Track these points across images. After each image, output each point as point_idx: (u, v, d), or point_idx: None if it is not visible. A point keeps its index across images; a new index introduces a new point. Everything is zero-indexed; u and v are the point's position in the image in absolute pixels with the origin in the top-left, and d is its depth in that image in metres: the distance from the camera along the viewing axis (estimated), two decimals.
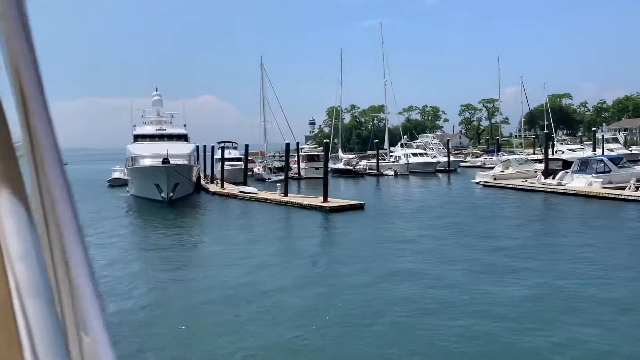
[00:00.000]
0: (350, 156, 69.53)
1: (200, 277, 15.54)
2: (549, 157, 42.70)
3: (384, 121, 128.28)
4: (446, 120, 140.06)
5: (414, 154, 62.44)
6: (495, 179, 42.59)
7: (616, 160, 36.22)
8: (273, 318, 11.62)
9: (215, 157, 51.93)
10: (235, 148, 59.14)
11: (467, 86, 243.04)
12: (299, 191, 42.22)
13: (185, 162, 38.20)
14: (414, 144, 71.27)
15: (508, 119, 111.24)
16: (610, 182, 33.77)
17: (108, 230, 25.09)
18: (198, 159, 47.14)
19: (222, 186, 43.24)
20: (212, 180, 49.53)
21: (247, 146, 44.44)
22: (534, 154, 71.29)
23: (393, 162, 61.87)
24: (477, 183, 43.43)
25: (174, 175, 34.51)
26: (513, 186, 38.97)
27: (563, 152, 60.86)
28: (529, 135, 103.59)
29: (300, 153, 58.99)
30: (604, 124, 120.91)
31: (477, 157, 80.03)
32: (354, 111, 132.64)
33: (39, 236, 0.62)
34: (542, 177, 38.24)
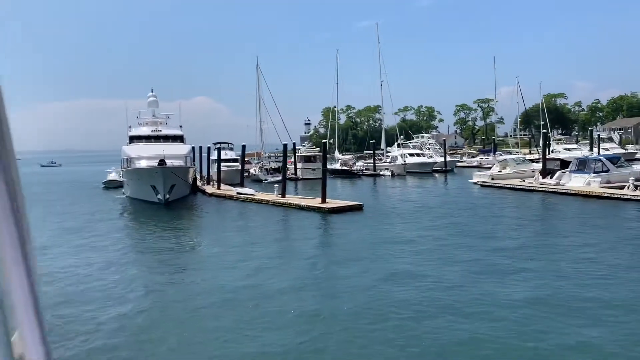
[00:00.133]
0: (347, 156, 69.32)
1: (199, 280, 15.28)
2: (547, 156, 42.54)
3: (379, 121, 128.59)
4: (441, 120, 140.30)
5: (411, 154, 62.33)
6: (492, 179, 42.50)
7: (614, 160, 36.20)
8: (274, 322, 11.40)
9: (211, 158, 51.58)
10: (232, 149, 58.79)
11: (462, 86, 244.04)
12: (295, 192, 42.01)
13: (182, 164, 37.85)
14: (411, 145, 71.15)
15: (503, 119, 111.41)
16: (608, 182, 33.72)
17: (103, 232, 24.77)
18: (194, 160, 46.78)
19: (218, 187, 42.92)
20: (209, 181, 49.22)
21: (244, 147, 44.10)
22: (530, 153, 71.32)
23: (390, 162, 61.72)
24: (475, 183, 43.33)
25: (170, 176, 34.18)
26: (511, 186, 38.88)
27: (559, 152, 60.89)
28: (524, 135, 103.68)
29: (297, 154, 58.72)
30: (598, 124, 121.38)
31: (473, 157, 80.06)
32: (349, 111, 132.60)
33: None
34: (540, 177, 38.18)
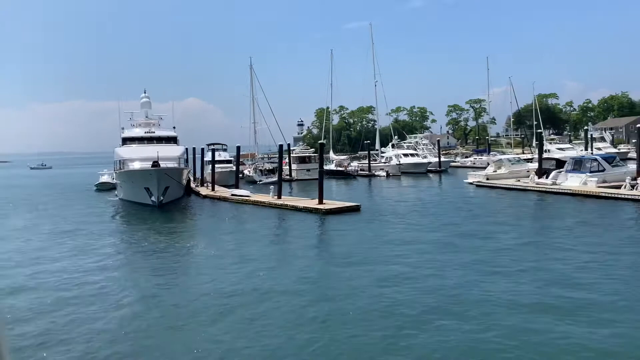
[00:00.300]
0: (342, 157, 69.18)
1: (197, 283, 14.92)
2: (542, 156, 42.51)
3: (372, 122, 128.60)
4: (434, 120, 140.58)
5: (405, 155, 62.28)
6: (488, 179, 42.46)
7: (610, 159, 36.25)
8: (273, 324, 11.12)
9: (205, 159, 51.18)
10: (225, 150, 58.37)
11: (454, 87, 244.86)
12: (290, 193, 41.72)
13: (176, 165, 37.41)
14: (405, 145, 71.10)
15: (495, 119, 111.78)
16: (604, 181, 33.75)
17: (97, 235, 24.33)
18: (187, 161, 46.31)
19: (212, 189, 42.52)
20: (202, 183, 48.79)
21: (238, 148, 43.75)
22: (523, 153, 71.53)
23: (384, 162, 61.62)
24: (470, 183, 43.27)
25: (164, 178, 33.74)
26: (507, 186, 38.84)
27: (552, 152, 61.05)
28: (516, 135, 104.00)
29: (291, 154, 58.43)
30: (589, 123, 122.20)
31: (467, 157, 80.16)
32: (342, 112, 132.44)
33: None
34: (536, 177, 38.15)
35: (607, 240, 18.97)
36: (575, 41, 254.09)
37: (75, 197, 44.99)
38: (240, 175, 48.72)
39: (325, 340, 10.31)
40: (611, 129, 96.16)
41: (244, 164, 56.83)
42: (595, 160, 35.71)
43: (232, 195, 37.24)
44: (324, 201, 30.25)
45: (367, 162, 62.79)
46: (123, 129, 45.59)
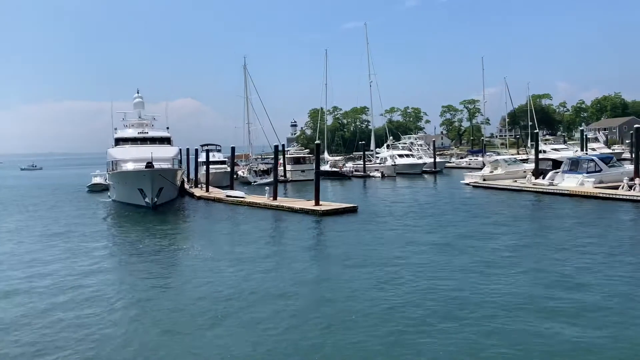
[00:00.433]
0: (337, 158, 68.86)
1: (194, 286, 14.51)
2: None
3: (366, 122, 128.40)
4: (428, 121, 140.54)
5: (401, 156, 62.03)
6: (484, 180, 42.28)
7: (607, 160, 36.15)
8: (275, 330, 10.81)
9: (199, 160, 50.70)
10: (219, 151, 57.84)
11: (447, 87, 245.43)
12: (285, 194, 41.35)
13: (170, 166, 36.91)
14: (400, 146, 70.89)
15: (489, 120, 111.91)
16: (601, 182, 33.65)
17: (90, 237, 23.86)
18: (181, 162, 45.73)
19: (207, 190, 42.04)
20: (197, 184, 48.31)
21: (233, 149, 43.24)
22: (518, 153, 71.53)
23: (380, 163, 61.34)
24: (467, 184, 43.07)
25: (158, 179, 33.24)
26: (504, 187, 38.67)
27: (547, 152, 61.04)
28: (510, 135, 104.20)
29: (286, 155, 58.03)
30: (583, 124, 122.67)
31: (462, 157, 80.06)
32: (336, 113, 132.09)
33: None
34: (533, 177, 38.00)
35: (607, 241, 18.79)
36: (566, 42, 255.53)
37: (68, 198, 44.38)
38: (235, 176, 48.27)
39: (327, 344, 10.11)
40: (604, 129, 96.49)
41: (238, 165, 56.39)
42: (592, 160, 35.58)
43: (227, 196, 36.80)
44: (321, 202, 29.90)
45: (362, 162, 62.52)
46: (116, 129, 45.00)
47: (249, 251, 19.37)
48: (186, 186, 46.05)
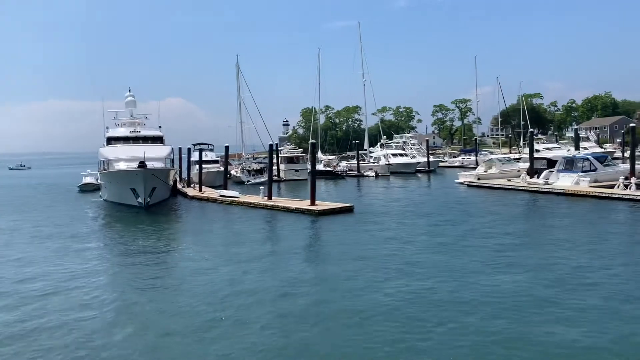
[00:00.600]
0: (330, 157, 68.59)
1: (192, 288, 14.16)
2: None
3: (358, 122, 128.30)
4: (419, 120, 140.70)
5: (394, 155, 61.89)
6: (479, 179, 42.20)
7: (601, 159, 36.19)
8: (276, 332, 10.51)
9: (191, 159, 50.23)
10: (212, 150, 57.34)
11: (438, 87, 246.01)
12: (279, 194, 40.99)
13: (163, 165, 36.43)
14: (393, 145, 70.76)
15: (480, 119, 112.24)
16: (596, 181, 33.66)
17: (82, 238, 23.43)
18: (173, 161, 45.22)
19: (200, 190, 41.59)
20: (189, 183, 47.83)
21: (227, 148, 42.76)
22: (511, 153, 71.71)
23: (373, 163, 61.15)
24: (461, 183, 42.98)
25: (151, 179, 32.77)
26: (499, 186, 38.59)
27: (539, 151, 61.22)
28: (502, 134, 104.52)
29: (279, 155, 57.63)
30: (573, 123, 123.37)
31: (455, 157, 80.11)
32: (328, 112, 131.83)
33: None
34: (528, 177, 37.97)
35: (607, 241, 18.74)
36: (556, 42, 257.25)
37: (58, 198, 43.75)
38: (228, 175, 47.83)
39: (329, 344, 9.97)
40: (595, 128, 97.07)
41: (230, 165, 55.94)
42: (587, 159, 35.59)
43: (221, 196, 36.39)
44: (316, 202, 29.60)
45: (355, 162, 62.30)
46: (107, 128, 44.41)
47: (246, 252, 19.04)
48: (179, 186, 45.55)
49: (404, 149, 68.73)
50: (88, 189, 48.78)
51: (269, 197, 33.12)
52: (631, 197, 28.81)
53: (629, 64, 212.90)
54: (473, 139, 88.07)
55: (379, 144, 70.02)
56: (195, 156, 48.44)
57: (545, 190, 34.30)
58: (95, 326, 11.54)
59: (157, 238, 22.88)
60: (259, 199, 33.44)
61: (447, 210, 28.66)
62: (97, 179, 46.76)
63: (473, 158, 67.93)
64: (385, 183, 50.65)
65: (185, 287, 14.55)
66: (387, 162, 58.76)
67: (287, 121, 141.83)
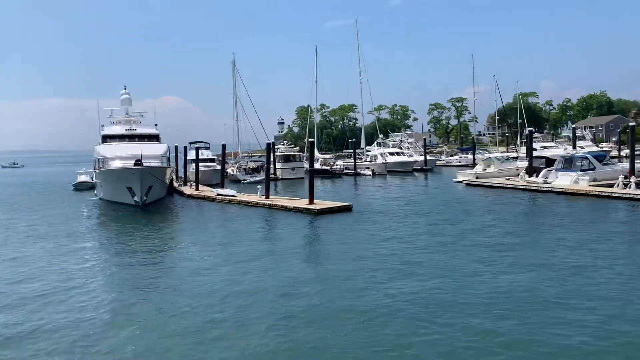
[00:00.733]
0: (327, 156, 68.30)
1: (191, 290, 13.86)
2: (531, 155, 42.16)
3: (354, 120, 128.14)
4: (415, 119, 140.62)
5: (391, 154, 61.65)
6: (477, 178, 42.03)
7: (600, 158, 36.08)
8: (277, 332, 10.26)
9: (187, 157, 49.86)
10: (208, 148, 56.93)
11: (433, 85, 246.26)
12: (276, 192, 40.67)
13: (159, 164, 36.05)
14: (390, 143, 70.54)
15: (476, 118, 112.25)
16: (595, 180, 33.52)
17: (78, 237, 23.11)
18: (169, 159, 44.81)
19: (197, 188, 41.22)
20: (186, 182, 47.44)
21: (224, 146, 42.41)
22: (507, 151, 71.63)
23: (370, 161, 60.91)
24: (460, 182, 42.79)
25: (147, 177, 32.39)
26: (497, 185, 38.40)
27: (536, 150, 61.18)
28: (498, 133, 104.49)
29: (276, 153, 57.29)
30: (569, 122, 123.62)
31: (451, 155, 79.99)
32: (323, 110, 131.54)
33: None
34: (526, 175, 37.82)
35: (610, 240, 18.56)
36: (549, 41, 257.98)
37: (53, 197, 43.30)
38: (224, 174, 47.48)
39: (330, 344, 9.81)
40: (591, 127, 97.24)
41: (227, 163, 55.57)
42: (586, 158, 35.46)
43: (218, 194, 36.04)
44: (315, 201, 29.33)
45: (352, 160, 62.03)
46: (103, 126, 43.92)
47: (246, 251, 18.76)
48: (175, 184, 45.17)
49: (400, 148, 68.52)
50: (83, 187, 48.33)
51: (267, 196, 32.81)
52: (631, 196, 28.68)
53: (621, 64, 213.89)
54: (470, 137, 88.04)
55: (375, 142, 69.77)
56: (191, 154, 48.06)
57: (545, 189, 34.14)
58: (92, 327, 11.30)
59: (155, 237, 22.56)
60: (256, 197, 33.13)
61: (447, 209, 28.46)
62: (92, 178, 46.31)
63: (470, 157, 67.85)
64: (383, 182, 50.42)
65: (185, 288, 14.27)
66: (384, 161, 58.52)
67: (282, 119, 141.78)
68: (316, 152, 68.68)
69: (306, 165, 56.38)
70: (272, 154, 54.82)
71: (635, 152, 33.62)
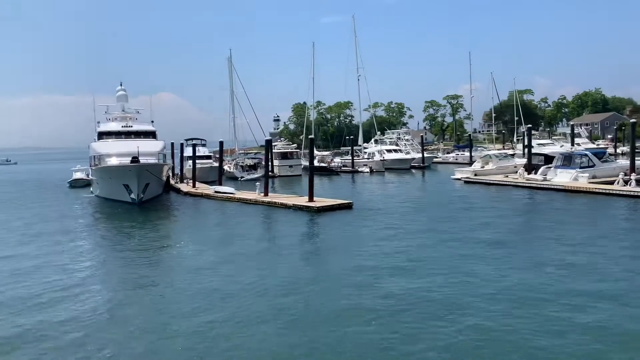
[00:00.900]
0: (325, 153, 68.03)
1: (192, 289, 13.59)
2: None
3: (350, 117, 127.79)
4: (411, 116, 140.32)
5: (389, 151, 61.47)
6: (475, 175, 41.91)
7: (599, 155, 36.05)
8: (283, 330, 10.01)
9: (184, 154, 49.46)
10: (204, 145, 56.56)
11: (428, 82, 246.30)
12: (273, 190, 40.34)
13: (156, 161, 35.67)
14: (388, 141, 70.35)
15: (471, 115, 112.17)
16: (594, 177, 33.47)
17: (74, 235, 22.80)
18: (165, 156, 44.39)
19: (194, 186, 40.86)
20: (182, 179, 47.06)
21: (221, 143, 42.09)
22: (504, 148, 71.63)
23: (367, 158, 60.71)
24: (458, 179, 42.63)
25: (144, 174, 32.01)
26: (496, 182, 38.26)
27: (532, 147, 61.05)
28: (494, 130, 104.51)
29: (273, 150, 56.96)
30: (564, 119, 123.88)
31: (448, 152, 79.93)
32: (319, 107, 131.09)
33: None
34: (525, 173, 37.72)
35: (616, 237, 18.48)
36: (543, 38, 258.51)
37: (48, 194, 42.81)
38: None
39: (333, 344, 9.60)
40: (587, 125, 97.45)
41: (223, 160, 55.21)
42: (586, 155, 35.42)
43: (216, 192, 35.71)
44: (315, 199, 29.07)
45: (349, 157, 61.80)
46: (99, 123, 43.42)
47: (247, 250, 18.53)
48: (172, 182, 44.77)
49: (397, 145, 68.35)
50: (78, 184, 47.83)
51: (266, 194, 32.53)
52: (631, 193, 28.59)
53: (615, 62, 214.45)
54: (466, 135, 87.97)
55: (372, 139, 69.56)
56: (187, 151, 47.68)
57: (544, 186, 34.04)
58: (89, 326, 11.12)
59: (152, 236, 22.28)
60: (255, 195, 32.83)
61: (448, 206, 28.29)
62: (87, 175, 45.84)
63: (467, 154, 67.81)
64: (381, 179, 50.23)
65: (184, 286, 14.00)
66: (381, 158, 58.33)
67: (277, 117, 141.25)
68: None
69: (303, 162, 56.17)
70: (270, 151, 54.90)
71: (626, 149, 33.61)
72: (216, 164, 45.84)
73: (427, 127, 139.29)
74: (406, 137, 75.07)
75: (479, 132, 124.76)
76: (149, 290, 13.91)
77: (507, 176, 39.57)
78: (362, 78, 65.31)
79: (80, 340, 10.34)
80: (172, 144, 49.49)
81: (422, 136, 69.64)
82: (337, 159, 65.02)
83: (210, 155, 53.23)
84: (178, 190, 40.76)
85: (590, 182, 32.34)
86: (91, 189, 41.29)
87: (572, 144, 47.38)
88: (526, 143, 64.53)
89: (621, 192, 29.20)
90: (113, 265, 17.08)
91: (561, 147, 57.73)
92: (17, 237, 22.74)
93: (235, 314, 11.54)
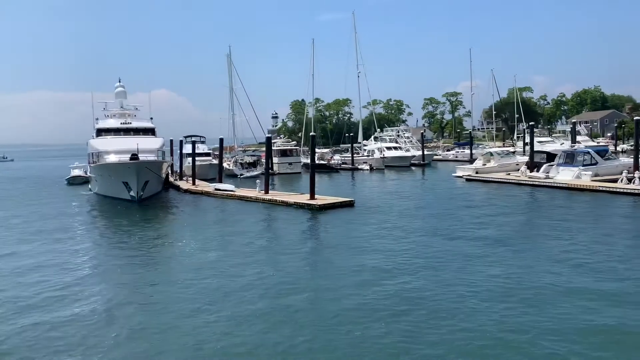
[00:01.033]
0: (324, 150, 67.71)
1: (194, 288, 13.32)
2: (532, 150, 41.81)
3: (348, 115, 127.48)
4: (410, 114, 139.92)
5: (389, 148, 61.20)
6: (477, 172, 41.66)
7: (602, 153, 35.80)
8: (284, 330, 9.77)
9: (183, 152, 49.15)
10: (203, 142, 56.20)
11: (426, 79, 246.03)
12: (273, 187, 40.06)
13: (155, 158, 35.34)
14: (388, 138, 70.04)
15: (470, 112, 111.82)
16: (597, 175, 33.24)
17: (73, 233, 22.51)
18: (164, 153, 44.01)
19: (193, 183, 40.53)
20: (181, 176, 46.74)
21: (221, 140, 41.69)
22: (504, 146, 71.43)
23: (367, 156, 60.43)
24: (459, 177, 42.39)
25: (144, 172, 31.70)
26: (499, 180, 38.04)
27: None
28: (493, 128, 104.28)
29: (273, 147, 56.64)
30: (563, 117, 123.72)
31: (448, 150, 79.67)
32: (318, 104, 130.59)
33: None
34: (528, 170, 37.48)
35: (622, 236, 18.26)
36: (542, 36, 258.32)
37: (46, 191, 42.46)
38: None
39: (336, 343, 9.38)
40: (586, 122, 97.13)
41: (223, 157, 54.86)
42: (588, 153, 35.16)
43: (216, 189, 35.41)
44: (316, 196, 28.79)
45: (349, 155, 61.53)
46: (97, 119, 43.05)
47: (249, 248, 18.26)
48: (171, 179, 44.44)
49: (397, 142, 68.06)
50: (77, 181, 47.49)
51: (266, 191, 32.24)
52: (635, 191, 28.36)
53: (614, 59, 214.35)
54: (466, 132, 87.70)
55: (372, 137, 69.27)
56: (186, 148, 47.26)
57: (547, 184, 33.81)
58: (88, 324, 10.97)
59: (152, 233, 22.00)
60: (255, 192, 32.53)
61: (451, 204, 28.02)
62: (86, 172, 45.48)
63: (467, 151, 67.56)
64: (381, 176, 49.97)
65: (185, 284, 13.78)
66: (381, 156, 58.05)
67: (276, 114, 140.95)
68: None
69: (303, 159, 55.86)
70: (270, 149, 54.55)
71: (631, 148, 33.37)
72: (215, 162, 45.50)
73: (426, 124, 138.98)
74: (406, 135, 74.74)
75: (478, 129, 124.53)
76: (148, 288, 13.67)
77: (509, 174, 39.34)
78: (362, 75, 64.90)
79: (80, 339, 10.15)
80: (171, 141, 49.10)
81: (422, 133, 69.31)
82: (337, 157, 64.72)
83: (209, 153, 52.87)
84: (177, 188, 40.47)
85: (593, 180, 32.12)
86: (89, 186, 40.95)
87: (574, 142, 47.13)
88: (527, 141, 64.84)
89: (624, 190, 28.98)
90: (112, 263, 16.76)
91: (561, 144, 57.55)
92: (15, 235, 22.43)
93: (235, 313, 11.33)
